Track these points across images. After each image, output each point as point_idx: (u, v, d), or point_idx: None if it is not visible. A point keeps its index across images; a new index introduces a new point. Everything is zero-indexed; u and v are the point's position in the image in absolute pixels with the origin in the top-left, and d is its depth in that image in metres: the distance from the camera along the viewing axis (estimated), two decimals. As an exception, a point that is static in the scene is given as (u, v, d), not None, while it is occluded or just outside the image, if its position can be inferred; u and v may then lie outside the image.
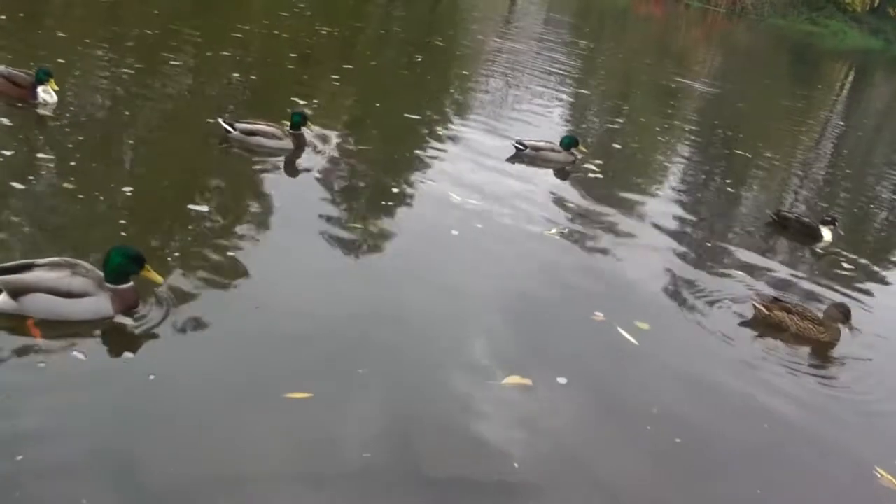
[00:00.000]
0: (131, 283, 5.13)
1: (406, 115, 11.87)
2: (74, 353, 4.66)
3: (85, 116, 8.90)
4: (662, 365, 6.02)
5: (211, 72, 11.90)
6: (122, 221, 6.36)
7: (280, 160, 8.76)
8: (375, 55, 16.93)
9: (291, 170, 8.74)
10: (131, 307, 5.14)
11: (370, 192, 8.55)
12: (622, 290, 7.30)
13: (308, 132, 9.23)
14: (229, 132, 8.76)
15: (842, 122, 23.66)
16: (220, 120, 8.83)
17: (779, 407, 5.80)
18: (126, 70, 10.66)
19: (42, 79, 8.52)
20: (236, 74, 12.15)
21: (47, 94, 8.56)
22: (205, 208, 7.06)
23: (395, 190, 8.61)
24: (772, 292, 7.61)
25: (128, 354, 4.82)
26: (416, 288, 6.42)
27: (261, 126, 8.90)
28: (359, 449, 4.38)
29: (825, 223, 9.93)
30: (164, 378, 4.61)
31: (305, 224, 7.23)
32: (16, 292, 4.78)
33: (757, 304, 7.03)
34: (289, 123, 9.07)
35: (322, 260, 6.68)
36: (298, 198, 7.90)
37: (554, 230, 8.29)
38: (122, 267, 5.05)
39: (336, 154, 9.37)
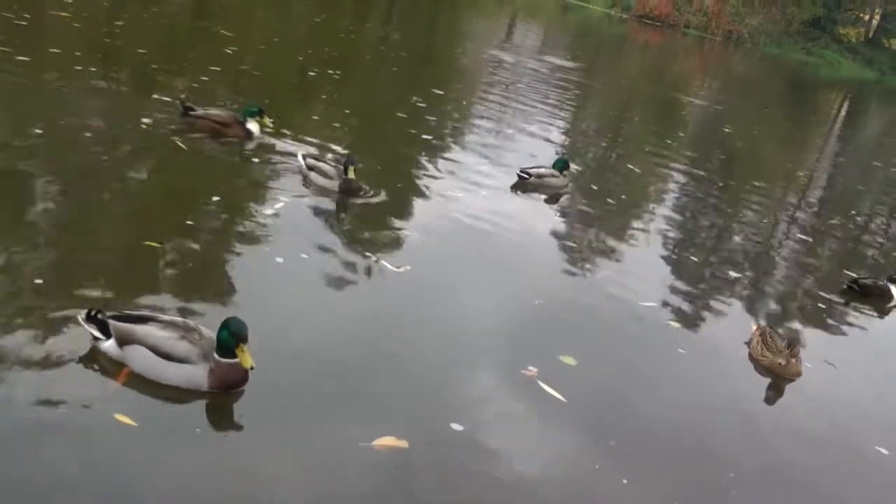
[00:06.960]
0: (238, 360, 4.86)
1: (405, 141, 11.98)
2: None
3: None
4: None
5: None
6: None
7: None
8: (372, 83, 17.03)
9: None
10: (232, 385, 4.87)
11: (374, 228, 8.60)
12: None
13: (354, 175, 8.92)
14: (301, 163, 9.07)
15: (838, 153, 23.83)
16: (300, 155, 9.17)
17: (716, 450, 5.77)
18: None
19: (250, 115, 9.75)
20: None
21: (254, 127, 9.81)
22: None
23: (392, 226, 8.65)
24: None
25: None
26: (360, 333, 6.16)
27: (322, 165, 9.00)
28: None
29: (893, 282, 9.60)
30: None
31: (297, 255, 7.31)
32: (122, 341, 4.79)
33: (755, 328, 7.39)
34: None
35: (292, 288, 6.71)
36: (299, 226, 7.96)
37: (402, 268, 7.39)
38: (225, 341, 4.82)
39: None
